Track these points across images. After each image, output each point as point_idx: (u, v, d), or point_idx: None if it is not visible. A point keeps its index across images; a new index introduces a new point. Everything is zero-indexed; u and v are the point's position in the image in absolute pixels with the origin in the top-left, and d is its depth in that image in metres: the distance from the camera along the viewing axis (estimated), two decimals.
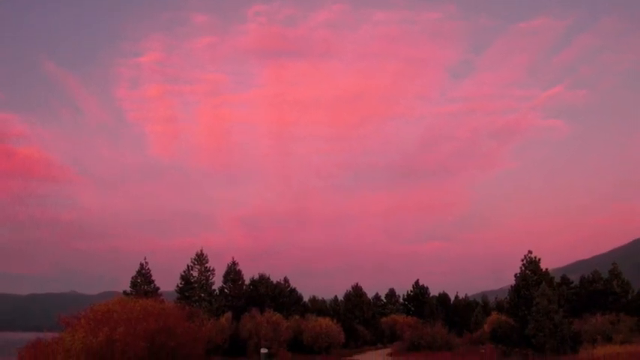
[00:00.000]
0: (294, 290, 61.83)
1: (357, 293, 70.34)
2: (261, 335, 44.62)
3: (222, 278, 52.90)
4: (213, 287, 51.74)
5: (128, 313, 29.06)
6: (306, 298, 68.90)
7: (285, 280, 61.07)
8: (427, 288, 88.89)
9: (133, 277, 46.69)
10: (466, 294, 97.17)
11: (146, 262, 47.74)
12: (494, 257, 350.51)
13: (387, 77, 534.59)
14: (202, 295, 50.18)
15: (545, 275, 42.67)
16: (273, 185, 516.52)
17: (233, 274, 52.95)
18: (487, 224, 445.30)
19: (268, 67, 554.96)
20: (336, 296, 79.38)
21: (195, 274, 50.79)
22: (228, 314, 46.52)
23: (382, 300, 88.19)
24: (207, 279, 50.81)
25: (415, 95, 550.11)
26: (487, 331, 54.39)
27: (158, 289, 47.01)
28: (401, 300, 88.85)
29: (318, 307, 67.24)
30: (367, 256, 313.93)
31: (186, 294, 49.49)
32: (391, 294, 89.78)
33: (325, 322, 51.45)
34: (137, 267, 47.46)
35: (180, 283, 50.39)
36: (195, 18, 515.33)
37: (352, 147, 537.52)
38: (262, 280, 56.11)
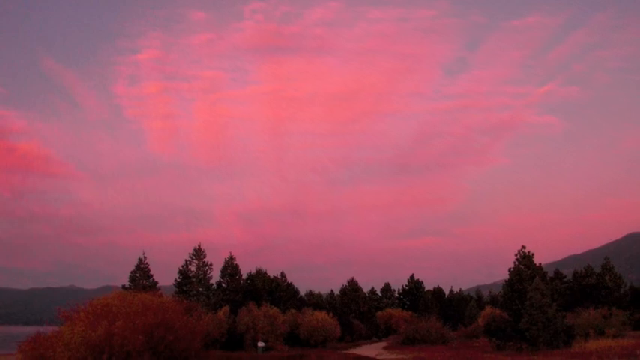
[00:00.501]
0: (290, 284, 62.20)
1: (352, 287, 70.83)
2: (258, 329, 45.04)
3: (219, 273, 53.47)
4: (211, 281, 52.28)
5: (127, 307, 29.28)
6: (302, 293, 69.51)
7: (282, 274, 61.50)
8: (422, 282, 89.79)
9: (131, 272, 47.03)
10: (460, 288, 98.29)
11: (145, 257, 48.22)
12: (487, 252, 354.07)
13: (382, 74, 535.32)
14: (200, 289, 50.67)
15: (539, 269, 43.18)
16: (270, 180, 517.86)
17: (230, 268, 53.30)
18: (480, 219, 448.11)
19: (265, 63, 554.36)
20: (332, 290, 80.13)
21: (193, 268, 51.23)
22: (226, 308, 46.92)
23: (378, 294, 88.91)
24: (204, 273, 51.25)
25: (410, 92, 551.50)
26: (481, 325, 54.84)
27: (156, 283, 47.36)
28: (396, 294, 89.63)
29: (314, 301, 67.76)
30: (363, 251, 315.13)
31: (185, 288, 49.90)
32: (386, 288, 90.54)
33: (321, 315, 51.92)
34: (136, 262, 47.94)
35: (179, 278, 50.79)
36: (193, 15, 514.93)
37: (347, 143, 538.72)
38: (259, 275, 56.51)
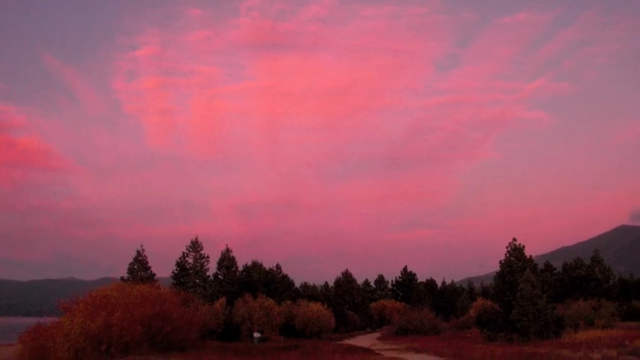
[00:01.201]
0: (286, 276, 62.77)
1: (347, 279, 71.50)
2: (254, 320, 45.53)
3: (216, 265, 53.88)
4: (208, 273, 52.77)
5: (125, 298, 29.68)
6: (297, 284, 70.08)
7: (278, 266, 62.07)
8: (415, 274, 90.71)
9: (129, 264, 47.43)
10: (452, 280, 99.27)
11: (143, 249, 48.69)
12: (479, 244, 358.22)
13: (375, 70, 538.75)
14: (197, 281, 51.13)
15: (529, 262, 43.86)
16: (265, 174, 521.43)
17: (227, 260, 53.72)
18: (472, 212, 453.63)
19: (260, 59, 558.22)
20: (326, 282, 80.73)
21: (190, 260, 51.66)
22: (222, 299, 47.34)
23: (371, 286, 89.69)
24: (201, 265, 51.71)
25: (402, 87, 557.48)
26: (473, 316, 55.62)
27: (154, 275, 47.79)
28: (389, 286, 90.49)
29: (309, 292, 68.39)
30: (357, 243, 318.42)
31: (182, 280, 50.32)
32: (380, 280, 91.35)
33: (316, 307, 52.48)
34: (134, 254, 48.32)
35: (176, 270, 51.20)
36: (190, 12, 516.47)
37: (341, 137, 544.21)
38: (255, 267, 56.97)
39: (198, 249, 51.93)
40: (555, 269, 67.46)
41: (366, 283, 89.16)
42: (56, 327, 27.95)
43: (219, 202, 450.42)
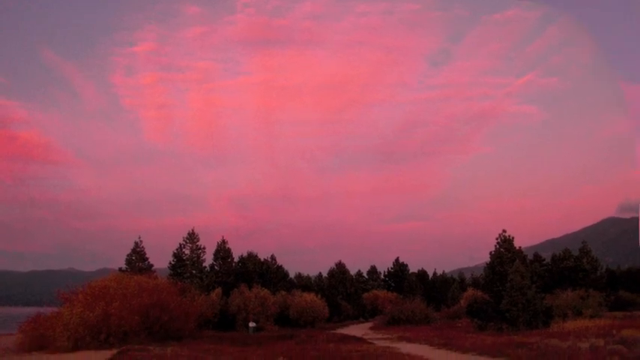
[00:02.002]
0: (280, 267, 63.32)
1: (340, 270, 72.20)
2: (250, 310, 46.20)
3: (212, 256, 54.49)
4: (204, 264, 53.25)
5: (123, 288, 30.16)
6: (292, 275, 70.67)
7: (272, 257, 62.56)
8: (407, 265, 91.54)
9: (128, 255, 47.85)
10: (444, 270, 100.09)
11: (140, 241, 49.14)
12: (470, 236, 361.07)
13: (369, 65, 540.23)
14: (194, 271, 51.61)
15: (519, 253, 44.60)
16: (261, 167, 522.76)
17: (223, 251, 54.27)
18: (463, 205, 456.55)
19: (256, 55, 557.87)
20: (320, 273, 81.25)
21: (186, 252, 52.14)
22: (218, 290, 47.96)
23: (364, 276, 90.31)
24: (198, 256, 52.21)
25: (395, 82, 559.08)
26: (463, 306, 56.28)
27: (152, 266, 48.27)
28: (382, 276, 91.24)
29: (303, 283, 69.00)
30: (350, 235, 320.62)
31: (179, 271, 50.80)
32: (373, 271, 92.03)
33: (310, 297, 53.22)
34: (132, 245, 48.85)
35: (173, 261, 51.68)
36: (188, 9, 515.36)
37: (336, 131, 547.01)
38: (250, 258, 57.50)
39: (195, 240, 52.41)
40: (544, 260, 68.40)
41: (359, 273, 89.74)
42: (56, 317, 28.37)
43: (216, 195, 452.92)
